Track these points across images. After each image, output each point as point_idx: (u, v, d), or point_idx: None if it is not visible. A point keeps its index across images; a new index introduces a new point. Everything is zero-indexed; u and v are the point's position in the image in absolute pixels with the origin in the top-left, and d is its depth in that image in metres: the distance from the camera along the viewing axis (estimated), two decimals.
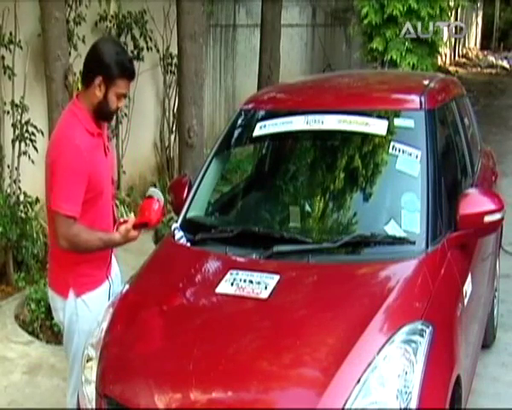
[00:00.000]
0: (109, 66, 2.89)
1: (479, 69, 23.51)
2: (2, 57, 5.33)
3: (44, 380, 4.17)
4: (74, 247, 2.91)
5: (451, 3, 10.34)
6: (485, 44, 30.64)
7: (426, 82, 3.92)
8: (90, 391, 2.67)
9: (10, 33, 5.33)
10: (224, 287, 2.81)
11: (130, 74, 2.97)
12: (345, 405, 2.28)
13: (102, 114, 2.98)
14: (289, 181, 3.70)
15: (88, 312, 3.00)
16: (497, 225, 3.24)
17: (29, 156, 5.39)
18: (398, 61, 9.01)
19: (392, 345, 2.44)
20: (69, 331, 3.06)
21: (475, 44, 30.32)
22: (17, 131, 5.37)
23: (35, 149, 5.39)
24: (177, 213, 3.57)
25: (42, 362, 4.36)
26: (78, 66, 5.49)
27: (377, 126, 3.33)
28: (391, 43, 9.09)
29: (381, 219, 3.15)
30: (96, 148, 2.97)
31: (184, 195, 3.63)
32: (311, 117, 3.43)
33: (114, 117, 3.24)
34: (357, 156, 3.44)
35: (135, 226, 2.97)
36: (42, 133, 5.38)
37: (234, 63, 10.13)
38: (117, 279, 3.21)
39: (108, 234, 3.01)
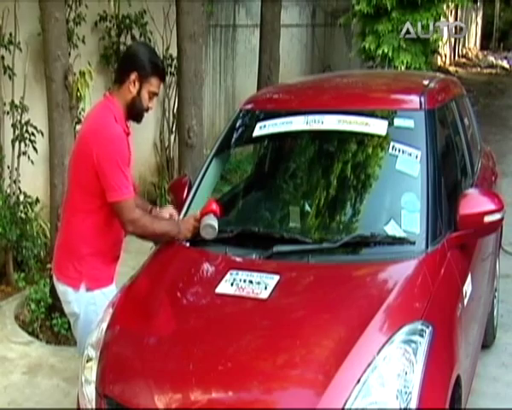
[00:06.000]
0: (144, 63, 3.05)
1: (478, 69, 23.48)
2: (2, 57, 5.34)
3: (44, 380, 4.17)
4: (142, 229, 3.06)
5: (451, 4, 10.30)
6: (485, 44, 30.61)
7: (426, 82, 3.91)
8: (90, 391, 2.66)
9: (10, 34, 5.33)
10: (223, 287, 2.80)
11: (162, 74, 3.16)
12: (345, 405, 2.28)
13: (134, 111, 3.09)
14: (289, 181, 3.70)
15: (107, 302, 3.05)
16: (497, 225, 3.24)
17: (29, 157, 5.40)
18: (391, 54, 8.96)
19: (391, 345, 2.43)
20: (86, 322, 3.12)
21: (475, 44, 30.28)
22: (17, 132, 5.37)
23: (35, 149, 5.39)
24: (177, 214, 3.57)
25: (42, 362, 4.36)
26: (78, 66, 5.52)
27: (377, 126, 3.32)
28: (383, 38, 9.05)
29: (380, 219, 3.15)
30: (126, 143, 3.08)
31: (184, 195, 3.63)
32: (310, 117, 3.43)
33: None
34: (356, 156, 3.44)
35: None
36: (42, 134, 5.38)
37: (234, 63, 10.12)
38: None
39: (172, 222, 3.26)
